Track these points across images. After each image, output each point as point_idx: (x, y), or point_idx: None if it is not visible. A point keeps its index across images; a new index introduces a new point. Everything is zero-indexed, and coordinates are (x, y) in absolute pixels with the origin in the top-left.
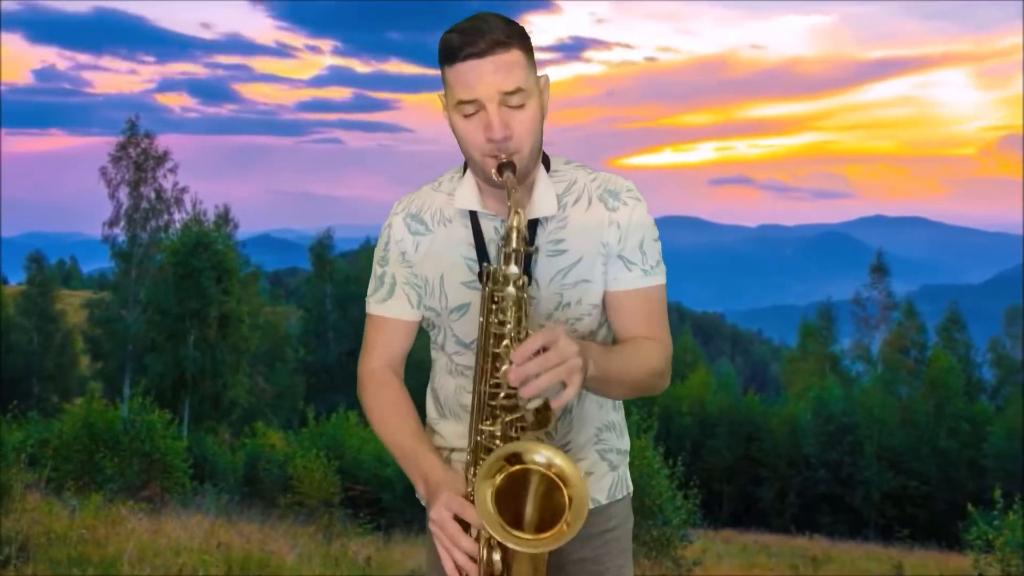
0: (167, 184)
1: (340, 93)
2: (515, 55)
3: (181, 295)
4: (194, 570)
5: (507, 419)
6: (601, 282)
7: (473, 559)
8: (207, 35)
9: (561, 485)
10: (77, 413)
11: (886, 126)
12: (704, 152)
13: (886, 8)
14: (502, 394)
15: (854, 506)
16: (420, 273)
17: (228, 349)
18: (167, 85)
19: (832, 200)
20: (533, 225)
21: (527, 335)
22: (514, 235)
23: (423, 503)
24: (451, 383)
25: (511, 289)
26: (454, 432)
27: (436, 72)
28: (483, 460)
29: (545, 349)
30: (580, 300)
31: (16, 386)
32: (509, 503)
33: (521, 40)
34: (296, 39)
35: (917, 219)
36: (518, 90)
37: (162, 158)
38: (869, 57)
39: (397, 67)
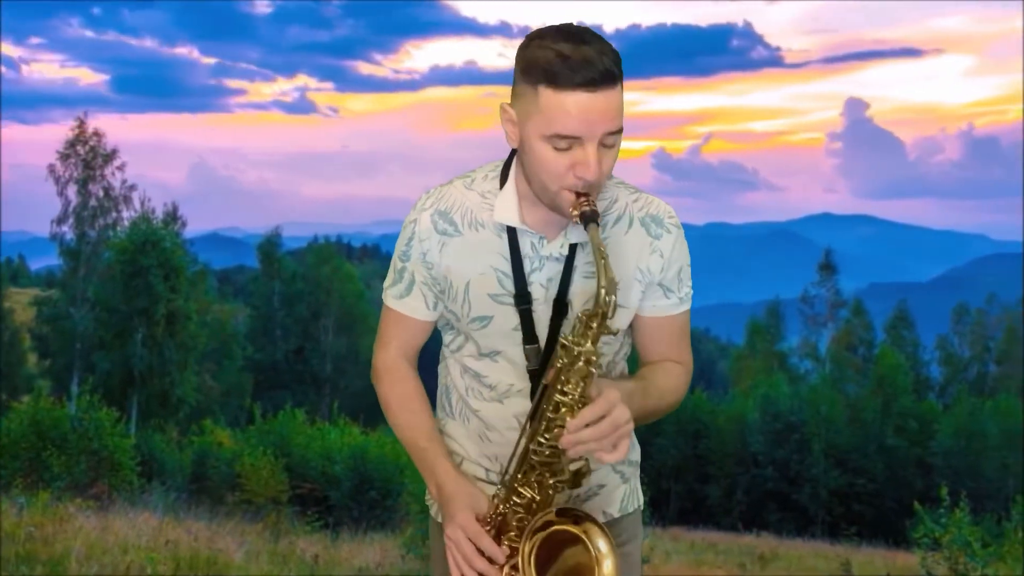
0: (116, 182)
1: None
2: (620, 90)
3: (129, 293)
4: (141, 568)
5: (547, 476)
6: (634, 308)
7: None
8: None
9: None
10: (24, 411)
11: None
12: (651, 141)
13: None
14: (547, 452)
15: (801, 504)
16: (443, 276)
17: (176, 347)
18: None
19: (783, 193)
20: (573, 248)
21: (584, 403)
22: (599, 318)
23: (431, 507)
24: (462, 384)
25: (581, 364)
26: (463, 434)
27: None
28: (513, 501)
29: (601, 418)
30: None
31: None
32: (542, 551)
33: (621, 72)
34: None
35: (865, 217)
36: (619, 130)
37: (111, 156)
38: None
39: None
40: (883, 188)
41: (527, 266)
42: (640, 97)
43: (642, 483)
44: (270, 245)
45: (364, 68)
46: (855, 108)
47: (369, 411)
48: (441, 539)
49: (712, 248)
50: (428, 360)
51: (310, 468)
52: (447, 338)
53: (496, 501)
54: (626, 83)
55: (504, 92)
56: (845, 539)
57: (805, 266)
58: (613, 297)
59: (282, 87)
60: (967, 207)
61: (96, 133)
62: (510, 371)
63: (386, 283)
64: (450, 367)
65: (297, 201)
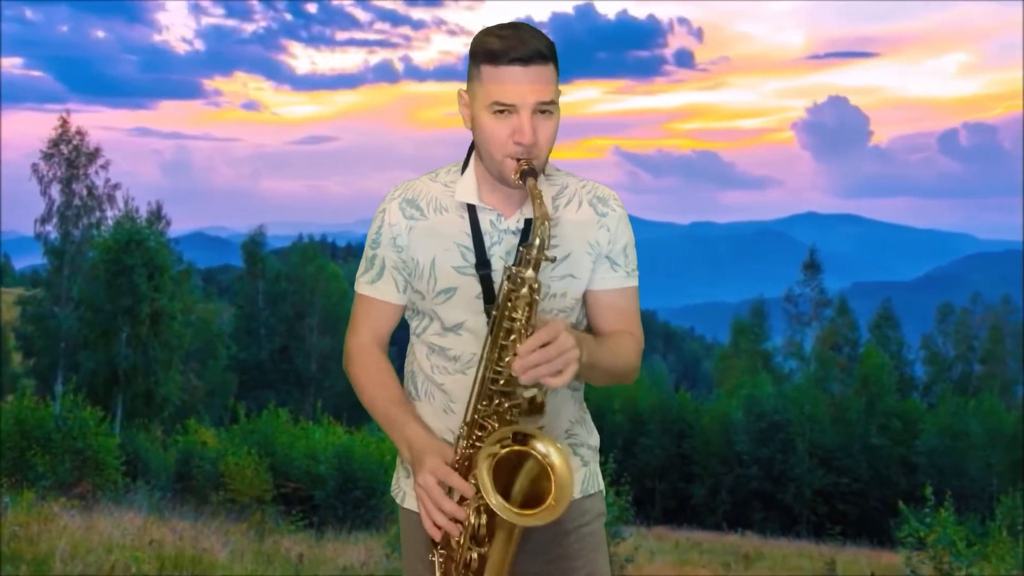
0: (99, 181)
1: None
2: (551, 69)
3: (113, 292)
4: (126, 567)
5: (504, 404)
6: (586, 279)
7: (456, 521)
8: None
9: (551, 473)
10: (9, 410)
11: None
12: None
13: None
14: (502, 380)
15: (786, 503)
16: (411, 256)
17: (160, 346)
18: None
19: (767, 191)
20: (528, 222)
21: (533, 331)
22: (537, 244)
23: (395, 495)
24: (428, 364)
25: (525, 291)
26: (428, 412)
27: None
28: (476, 436)
29: (547, 343)
30: (565, 293)
31: None
32: (501, 479)
33: (554, 56)
34: None
35: (850, 216)
36: (551, 102)
37: (94, 155)
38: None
39: None
40: (868, 187)
41: (487, 240)
42: (619, 94)
43: (627, 482)
44: (254, 244)
45: (300, 67)
46: (840, 106)
47: (353, 410)
48: (410, 529)
49: (697, 247)
50: (393, 357)
51: (294, 467)
52: (413, 324)
53: (460, 440)
54: (611, 81)
55: (439, 90)
56: (829, 538)
57: (789, 265)
58: (547, 225)
59: (227, 85)
60: (951, 206)
61: (79, 132)
62: (472, 341)
63: (359, 273)
64: (416, 351)
65: (257, 199)
